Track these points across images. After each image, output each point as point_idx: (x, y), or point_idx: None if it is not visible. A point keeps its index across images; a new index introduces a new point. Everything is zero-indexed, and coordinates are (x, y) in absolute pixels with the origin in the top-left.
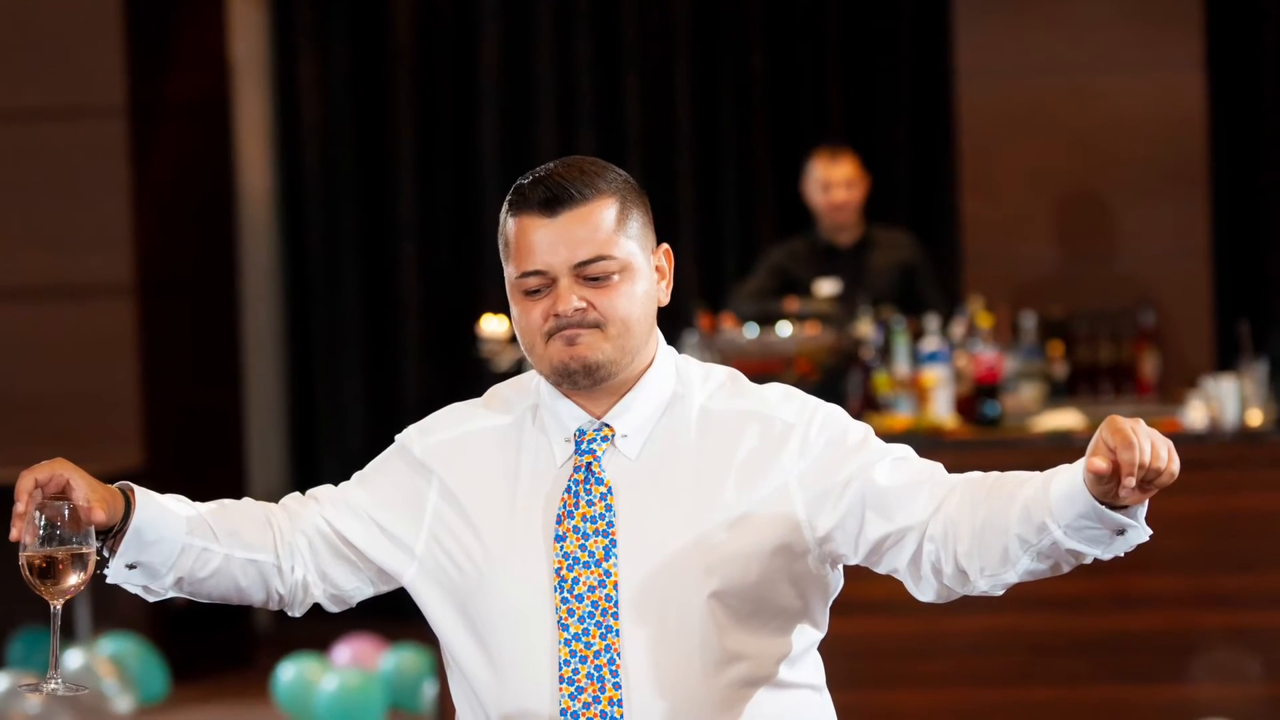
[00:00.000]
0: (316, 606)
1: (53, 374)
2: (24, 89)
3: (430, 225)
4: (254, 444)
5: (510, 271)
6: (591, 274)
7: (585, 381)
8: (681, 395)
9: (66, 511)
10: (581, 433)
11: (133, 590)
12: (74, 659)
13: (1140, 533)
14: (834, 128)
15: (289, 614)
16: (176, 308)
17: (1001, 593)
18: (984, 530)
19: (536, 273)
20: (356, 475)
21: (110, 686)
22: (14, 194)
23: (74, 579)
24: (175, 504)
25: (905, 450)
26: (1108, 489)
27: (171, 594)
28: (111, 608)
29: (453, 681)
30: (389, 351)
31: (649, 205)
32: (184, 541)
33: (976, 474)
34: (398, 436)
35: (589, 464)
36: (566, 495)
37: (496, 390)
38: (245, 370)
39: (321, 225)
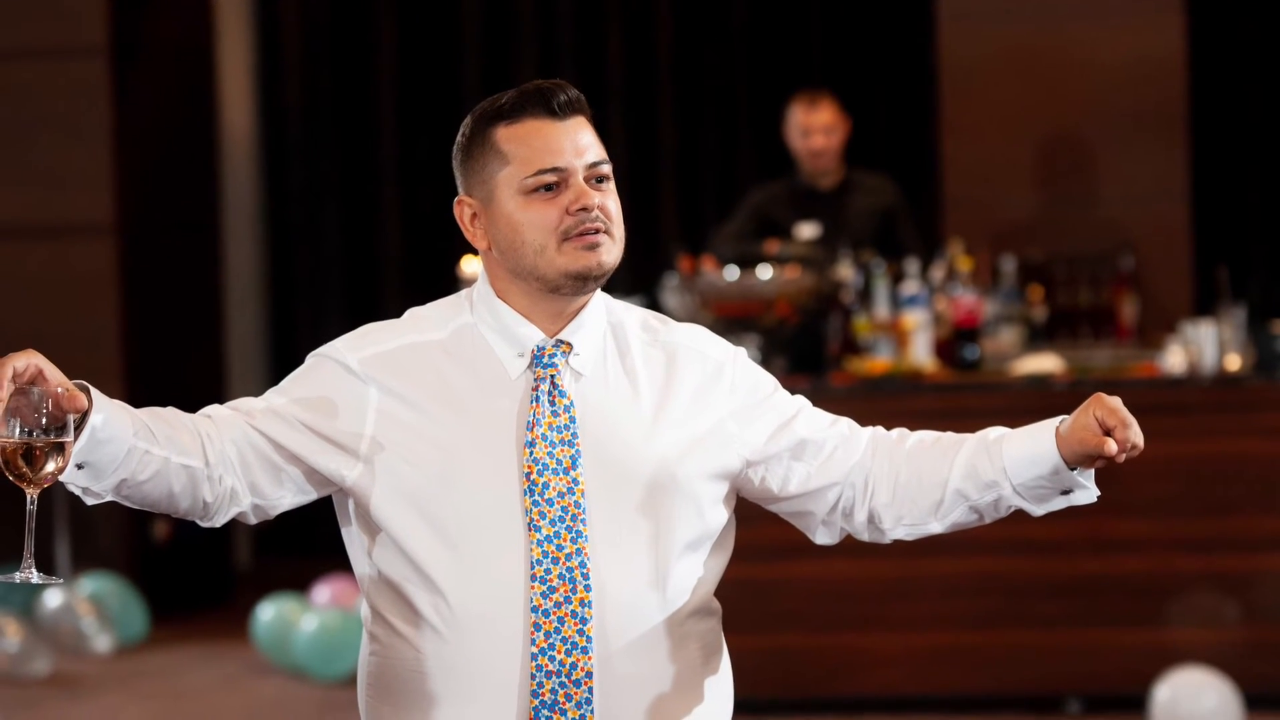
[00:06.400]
0: (291, 548)
1: (33, 313)
2: (5, 29)
3: (412, 168)
4: (235, 384)
5: (514, 173)
6: (600, 174)
7: (592, 285)
8: (617, 323)
9: (48, 402)
10: (540, 348)
11: (73, 490)
12: (53, 598)
13: (1090, 493)
14: (815, 72)
15: (202, 524)
16: (158, 248)
17: (912, 539)
18: (911, 484)
19: (555, 169)
20: (276, 389)
21: (89, 625)
22: None
23: (51, 466)
24: (121, 405)
25: (806, 401)
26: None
27: (109, 497)
28: (91, 547)
29: (400, 581)
30: (370, 293)
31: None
32: (130, 443)
33: (880, 429)
34: (319, 351)
35: (552, 377)
36: (535, 405)
37: (415, 312)
38: (227, 310)
39: (303, 167)
